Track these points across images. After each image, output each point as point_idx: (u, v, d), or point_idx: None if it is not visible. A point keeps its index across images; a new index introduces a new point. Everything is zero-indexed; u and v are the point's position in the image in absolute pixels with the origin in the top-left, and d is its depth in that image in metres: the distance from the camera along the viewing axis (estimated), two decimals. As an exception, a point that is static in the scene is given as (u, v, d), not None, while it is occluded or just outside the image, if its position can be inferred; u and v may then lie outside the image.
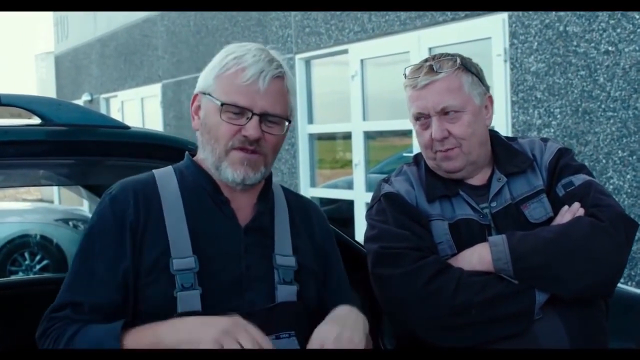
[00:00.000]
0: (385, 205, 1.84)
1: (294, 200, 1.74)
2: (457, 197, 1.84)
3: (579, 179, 1.83)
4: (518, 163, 1.87)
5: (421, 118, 1.82)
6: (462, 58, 1.85)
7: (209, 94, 1.58)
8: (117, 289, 1.49)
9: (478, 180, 1.88)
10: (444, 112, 1.79)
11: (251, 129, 1.53)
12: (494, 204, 1.83)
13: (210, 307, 1.48)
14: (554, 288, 1.71)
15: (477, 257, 1.74)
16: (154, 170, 1.65)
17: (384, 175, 1.98)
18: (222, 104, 1.54)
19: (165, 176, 1.63)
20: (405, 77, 1.86)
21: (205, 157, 1.61)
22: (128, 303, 1.51)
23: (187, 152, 1.69)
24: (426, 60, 1.84)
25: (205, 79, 1.61)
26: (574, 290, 1.71)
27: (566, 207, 1.79)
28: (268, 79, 1.55)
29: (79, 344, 1.41)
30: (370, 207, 1.91)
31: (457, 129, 1.79)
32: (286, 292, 1.57)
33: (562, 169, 1.86)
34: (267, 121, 1.56)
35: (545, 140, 1.95)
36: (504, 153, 1.89)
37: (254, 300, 1.54)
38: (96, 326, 1.44)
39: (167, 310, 1.46)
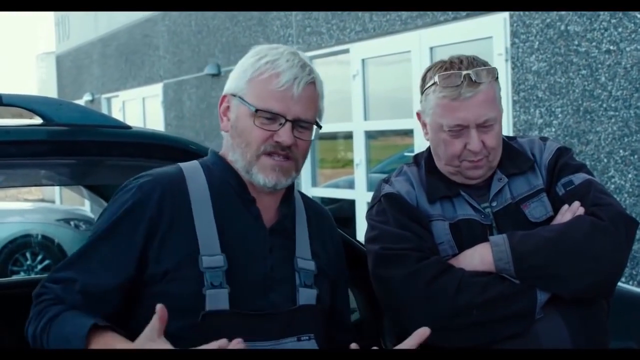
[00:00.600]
0: (386, 205, 1.84)
1: (310, 206, 1.75)
2: (458, 197, 1.84)
3: (578, 178, 1.83)
4: (519, 164, 1.87)
5: (455, 129, 1.78)
6: (494, 67, 1.82)
7: (241, 97, 1.57)
8: (114, 275, 1.49)
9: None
10: (482, 124, 1.77)
11: (284, 135, 1.53)
12: (494, 204, 1.83)
13: (236, 307, 1.49)
14: (554, 288, 1.71)
15: (478, 257, 1.74)
16: (180, 164, 1.64)
17: (385, 175, 1.98)
18: (256, 110, 1.54)
19: (193, 171, 1.62)
20: (435, 83, 1.79)
21: (234, 159, 1.60)
22: (124, 290, 1.51)
23: (211, 149, 1.69)
24: (452, 64, 1.79)
25: (236, 80, 1.59)
26: (575, 290, 1.71)
27: (566, 206, 1.79)
28: (302, 85, 1.54)
29: (52, 334, 1.42)
30: (370, 208, 1.90)
31: (490, 139, 1.78)
32: (307, 295, 1.58)
33: (562, 168, 1.85)
34: (299, 127, 1.56)
35: (544, 139, 1.94)
36: (506, 153, 1.88)
37: (276, 301, 1.54)
38: (71, 318, 1.43)
39: (194, 308, 1.47)
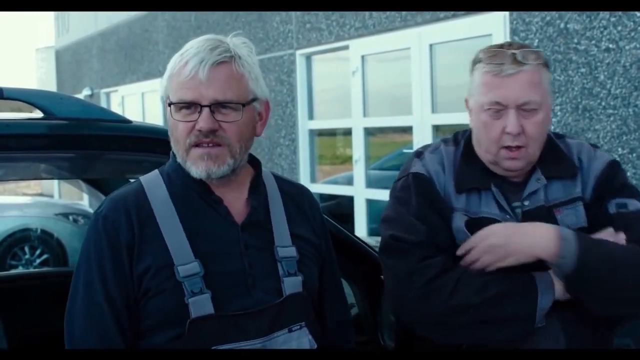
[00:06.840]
0: (412, 183, 1.80)
1: (286, 187, 1.72)
2: (488, 192, 1.78)
3: (633, 204, 1.77)
4: (562, 170, 1.81)
5: (494, 107, 1.73)
6: (542, 51, 1.79)
7: (167, 98, 1.56)
8: (127, 314, 1.50)
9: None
10: (523, 107, 1.72)
11: (202, 121, 1.50)
12: (527, 203, 1.78)
13: (220, 309, 1.49)
14: (603, 308, 1.68)
15: (540, 242, 1.67)
16: (141, 178, 1.63)
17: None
18: (170, 104, 1.53)
19: (153, 183, 1.60)
20: (480, 61, 1.76)
21: (179, 159, 1.58)
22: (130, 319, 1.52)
23: (172, 152, 1.64)
24: (501, 46, 1.76)
25: (162, 84, 1.59)
26: (613, 312, 1.71)
27: (612, 229, 1.73)
28: (208, 67, 1.49)
29: None
30: (397, 180, 1.86)
31: (531, 126, 1.72)
32: (292, 284, 1.57)
33: (619, 189, 1.80)
34: (221, 109, 1.52)
35: (595, 146, 1.89)
36: (551, 155, 1.82)
37: (261, 297, 1.53)
38: None
39: (179, 318, 1.47)
